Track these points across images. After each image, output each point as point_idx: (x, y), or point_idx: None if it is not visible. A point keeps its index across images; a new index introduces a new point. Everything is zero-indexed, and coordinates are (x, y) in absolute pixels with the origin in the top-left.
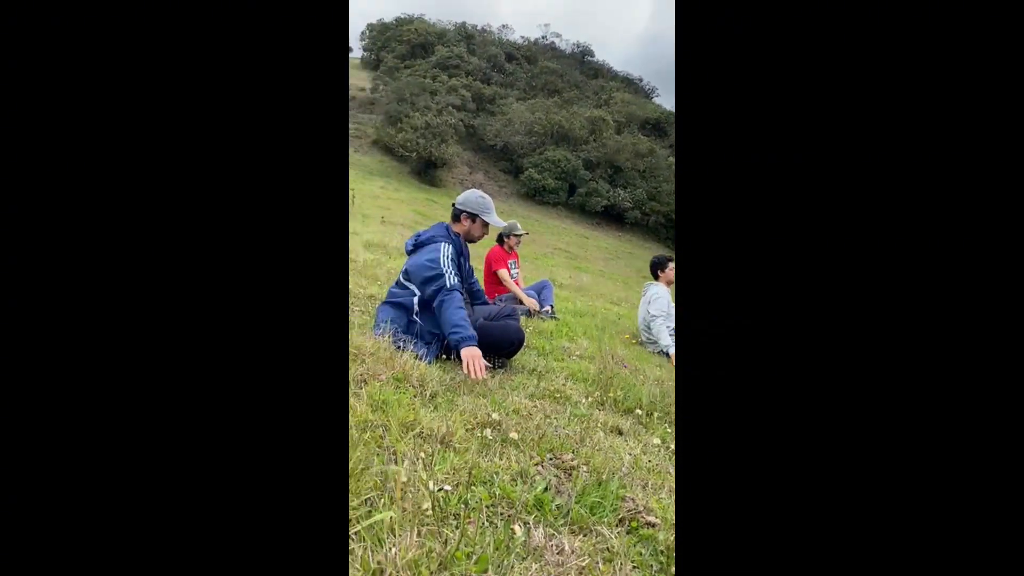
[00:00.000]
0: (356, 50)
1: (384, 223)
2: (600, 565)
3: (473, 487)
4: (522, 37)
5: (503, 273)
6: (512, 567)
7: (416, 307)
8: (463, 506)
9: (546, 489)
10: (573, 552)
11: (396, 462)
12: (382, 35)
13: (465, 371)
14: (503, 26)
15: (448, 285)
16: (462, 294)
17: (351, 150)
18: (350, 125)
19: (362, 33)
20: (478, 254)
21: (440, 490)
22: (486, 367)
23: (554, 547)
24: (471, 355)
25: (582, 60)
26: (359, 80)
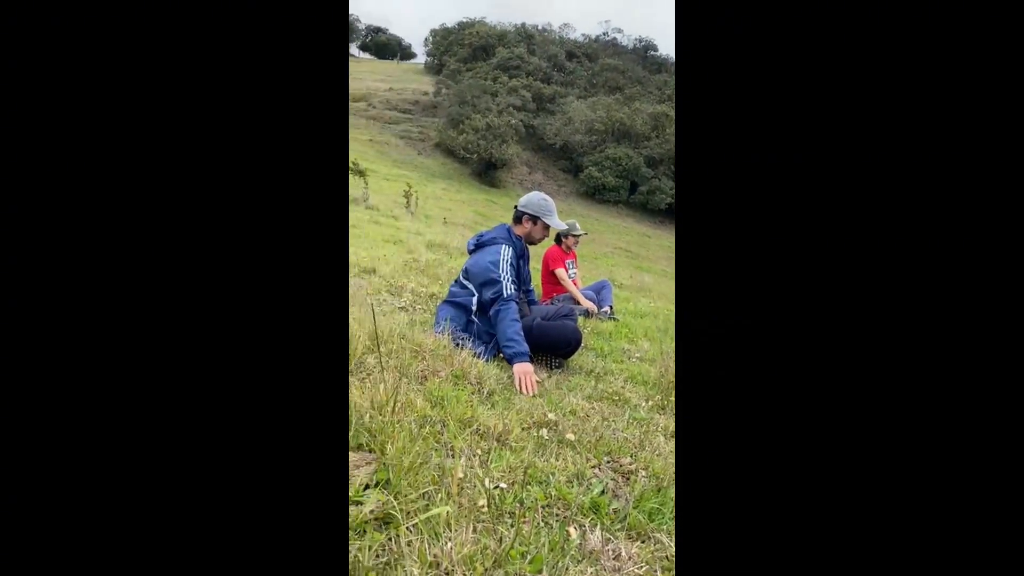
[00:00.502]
0: (420, 55)
1: (446, 224)
2: (659, 574)
3: (528, 486)
4: (583, 35)
5: (561, 272)
6: (567, 569)
7: (475, 307)
8: (518, 505)
9: (603, 492)
10: (630, 558)
11: (453, 457)
12: (444, 39)
13: (517, 387)
14: (564, 25)
15: (505, 294)
16: (518, 302)
17: (415, 153)
18: (414, 129)
19: (425, 39)
20: (536, 254)
21: (496, 487)
22: (537, 381)
23: (610, 552)
24: (523, 371)
25: (644, 55)
26: (422, 84)
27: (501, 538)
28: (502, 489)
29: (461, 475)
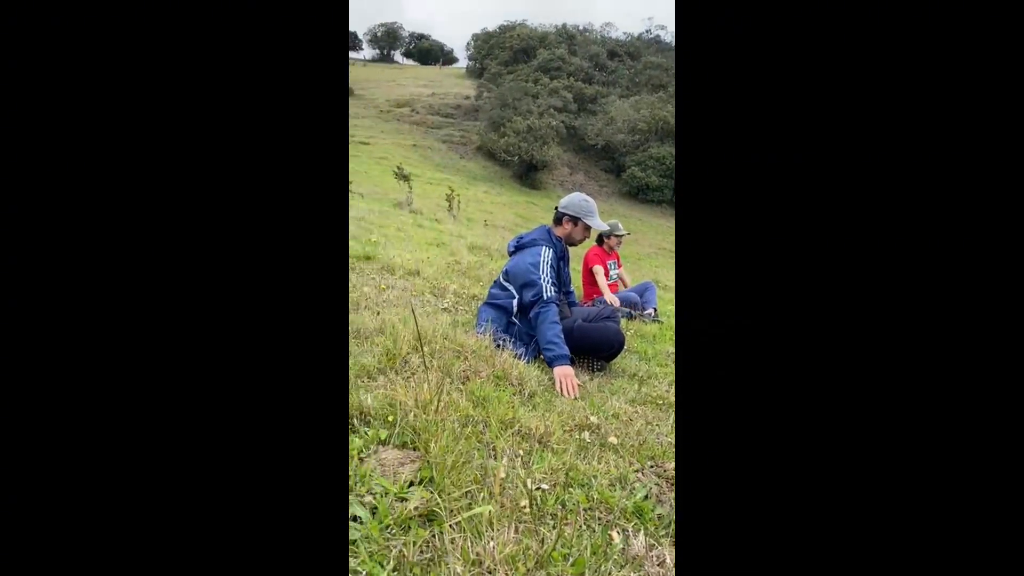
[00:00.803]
0: (462, 60)
1: (487, 226)
2: None
3: (570, 489)
4: (625, 33)
5: (597, 269)
6: (609, 574)
7: (515, 309)
8: (560, 507)
9: (646, 497)
10: (676, 565)
11: (495, 458)
12: (486, 43)
13: (558, 390)
14: (605, 24)
15: (545, 296)
16: (558, 304)
17: (457, 156)
18: (455, 133)
19: (467, 43)
20: (577, 254)
21: (538, 489)
22: (579, 384)
23: (655, 558)
24: (564, 374)
25: None
26: (464, 89)
27: (543, 539)
28: (544, 490)
29: (503, 475)
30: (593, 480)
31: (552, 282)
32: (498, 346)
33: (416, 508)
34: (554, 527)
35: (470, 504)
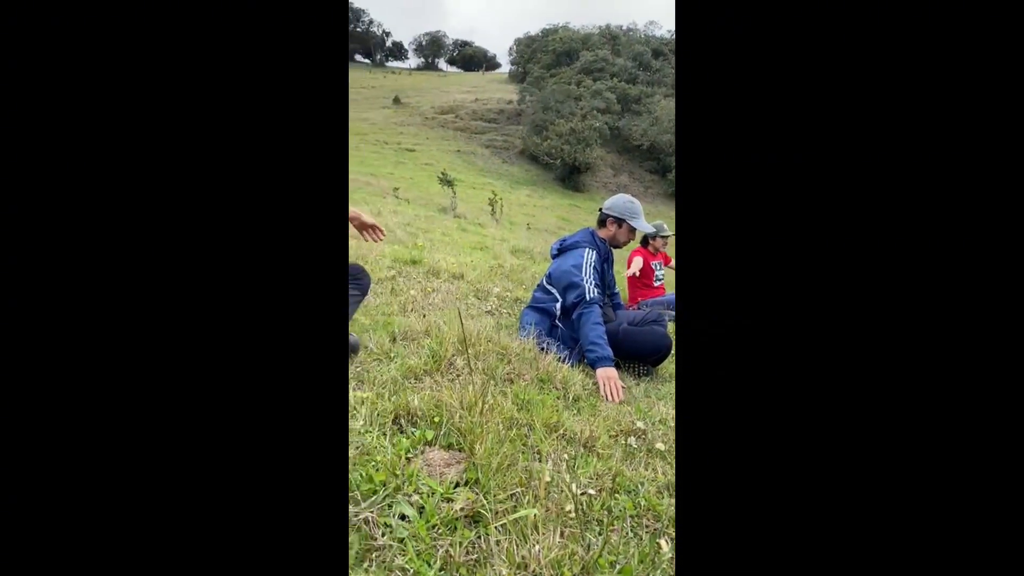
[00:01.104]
0: (505, 65)
1: (530, 229)
2: None
3: (616, 495)
4: (669, 31)
5: (637, 260)
6: None
7: (558, 312)
8: (606, 513)
9: None
10: None
11: (540, 461)
12: (528, 47)
13: (602, 394)
14: (649, 23)
15: (588, 298)
16: (602, 306)
17: (499, 161)
18: (498, 137)
19: (510, 48)
20: (622, 257)
21: (583, 494)
22: (623, 387)
23: None
24: (607, 376)
25: None
26: (506, 93)
27: (589, 545)
28: (590, 496)
29: (548, 479)
30: (640, 487)
31: (595, 283)
32: (542, 349)
33: (462, 509)
34: (600, 533)
35: (515, 507)
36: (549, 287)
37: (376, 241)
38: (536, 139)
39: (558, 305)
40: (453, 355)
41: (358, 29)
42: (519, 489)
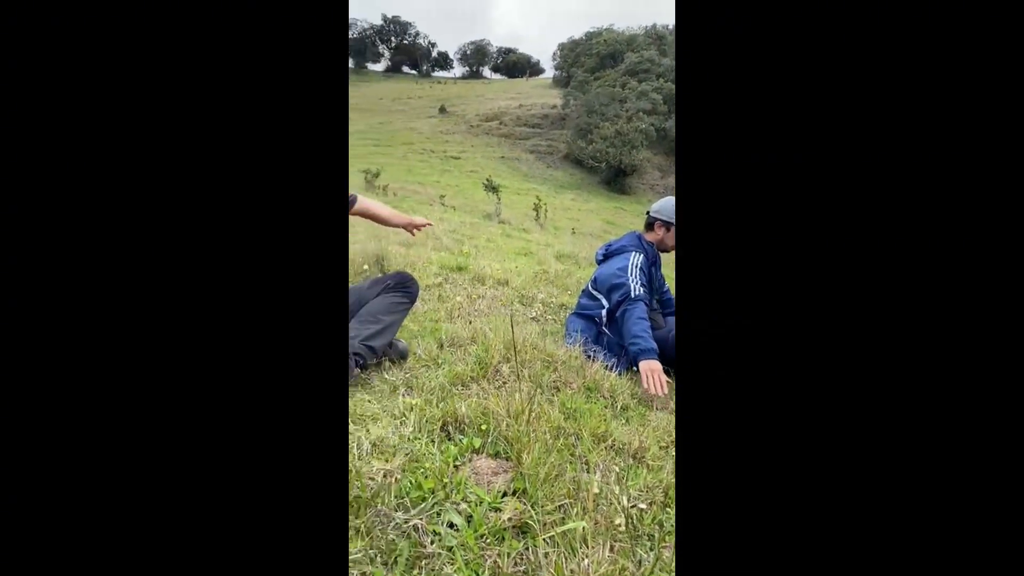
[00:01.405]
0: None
1: (575, 234)
2: None
3: (669, 509)
4: None
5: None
6: None
7: (604, 319)
8: (657, 527)
9: None
10: None
11: (588, 472)
12: (572, 51)
13: (645, 386)
14: None
15: (632, 295)
16: (648, 305)
17: (544, 166)
18: (542, 142)
19: (553, 53)
20: (671, 261)
21: (633, 507)
22: (668, 381)
23: None
24: (650, 368)
25: None
26: (550, 98)
27: (640, 561)
28: (640, 509)
29: (596, 491)
30: None
31: (642, 284)
32: (588, 357)
33: (510, 519)
34: (651, 549)
35: (563, 518)
36: (595, 292)
37: (424, 227)
38: (581, 143)
39: (604, 311)
40: (499, 362)
41: (405, 41)
42: (567, 500)
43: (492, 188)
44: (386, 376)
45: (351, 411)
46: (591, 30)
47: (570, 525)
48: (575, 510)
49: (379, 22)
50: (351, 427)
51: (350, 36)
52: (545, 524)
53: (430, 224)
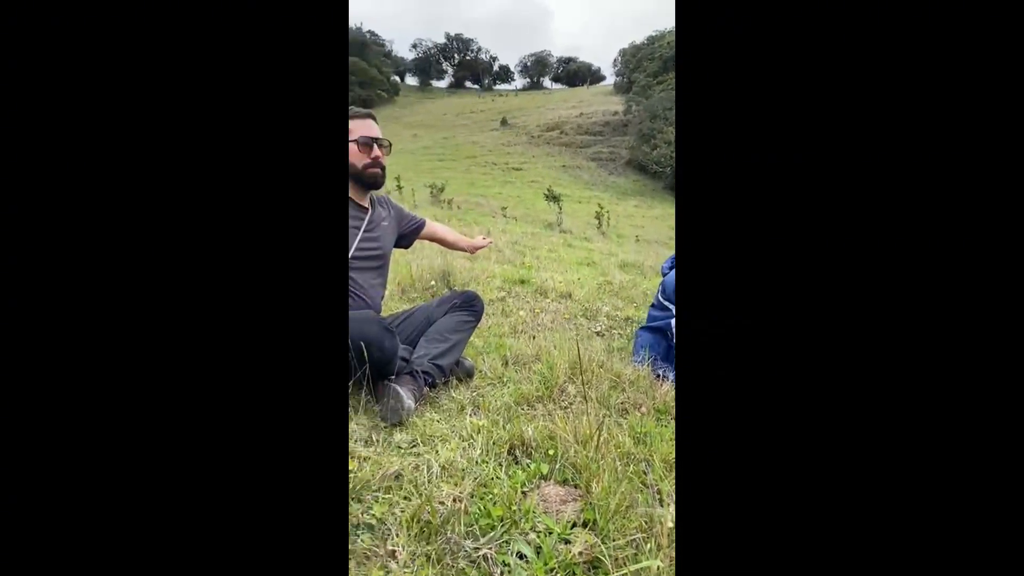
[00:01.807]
0: (609, 77)
1: (639, 242)
2: None
3: None
4: None
5: None
6: None
7: (675, 331)
8: None
9: None
10: None
11: (661, 503)
12: (633, 57)
13: None
14: None
15: None
16: None
17: (605, 173)
18: (604, 149)
19: (614, 60)
20: None
21: None
22: None
23: None
24: None
25: None
26: (611, 105)
27: None
28: None
29: (671, 525)
30: None
31: None
32: (658, 377)
33: (580, 553)
34: None
35: (636, 554)
36: (666, 303)
37: (486, 244)
38: (644, 148)
39: (674, 322)
40: (564, 381)
41: (467, 57)
42: (640, 535)
43: (553, 197)
44: (453, 395)
45: (420, 431)
46: (653, 33)
47: (644, 564)
48: (648, 546)
49: (442, 40)
50: (420, 448)
51: (414, 56)
52: (617, 559)
53: (491, 242)
